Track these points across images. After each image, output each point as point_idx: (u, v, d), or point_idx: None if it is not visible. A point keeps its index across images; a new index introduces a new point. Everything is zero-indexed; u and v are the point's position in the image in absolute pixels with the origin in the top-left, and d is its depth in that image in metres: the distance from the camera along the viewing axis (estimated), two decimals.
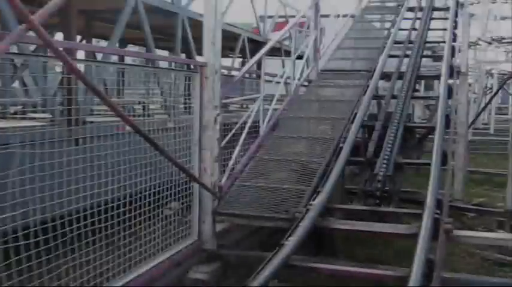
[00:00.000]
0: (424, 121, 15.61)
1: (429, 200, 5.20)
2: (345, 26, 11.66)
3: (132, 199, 4.90)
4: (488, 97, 19.91)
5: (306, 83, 9.41)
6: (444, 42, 10.03)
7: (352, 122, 7.33)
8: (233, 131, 6.62)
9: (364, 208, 5.89)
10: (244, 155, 6.88)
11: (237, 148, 6.65)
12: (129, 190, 4.86)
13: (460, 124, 8.44)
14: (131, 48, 14.53)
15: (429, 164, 6.08)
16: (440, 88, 7.98)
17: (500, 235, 6.00)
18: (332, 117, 7.83)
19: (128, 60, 13.79)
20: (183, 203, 5.81)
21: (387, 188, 6.03)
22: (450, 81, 8.32)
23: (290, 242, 4.62)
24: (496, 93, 17.28)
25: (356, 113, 7.56)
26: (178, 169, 5.16)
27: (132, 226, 4.93)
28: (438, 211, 5.09)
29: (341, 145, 6.76)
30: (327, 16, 11.45)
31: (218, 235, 6.05)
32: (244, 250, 6.36)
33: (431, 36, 11.99)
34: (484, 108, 16.78)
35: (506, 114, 25.81)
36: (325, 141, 7.15)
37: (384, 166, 6.16)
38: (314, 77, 9.53)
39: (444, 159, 6.26)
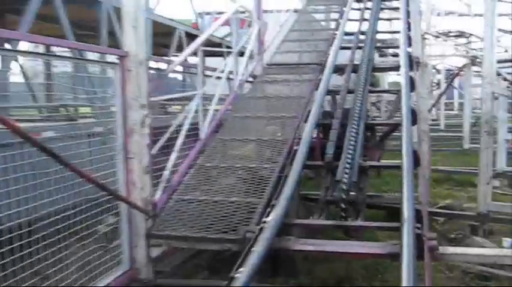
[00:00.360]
0: (378, 119, 14.97)
1: (407, 212, 4.27)
2: (290, 19, 10.82)
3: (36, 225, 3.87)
4: (434, 93, 19.69)
5: (250, 79, 8.45)
6: (399, 32, 9.24)
7: (306, 121, 6.41)
8: (167, 134, 5.59)
9: (329, 222, 4.94)
10: (182, 163, 5.87)
11: (173, 155, 5.63)
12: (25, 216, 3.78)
13: (422, 120, 7.65)
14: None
15: (399, 167, 5.19)
16: (401, 80, 7.14)
17: (493, 251, 5.19)
18: (282, 115, 6.93)
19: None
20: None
21: (353, 193, 5.09)
22: (411, 73, 7.50)
23: (242, 275, 3.60)
24: (446, 89, 16.95)
25: (309, 111, 6.63)
26: (94, 185, 4.07)
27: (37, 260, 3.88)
28: (419, 225, 4.19)
29: (295, 147, 5.81)
30: (269, 11, 10.66)
31: (155, 261, 5.10)
32: (187, 276, 5.52)
33: (380, 27, 11.32)
34: (434, 104, 16.45)
35: (452, 110, 25.91)
36: (277, 144, 6.24)
37: (347, 170, 5.21)
38: (259, 72, 8.58)
39: (416, 160, 5.36)
